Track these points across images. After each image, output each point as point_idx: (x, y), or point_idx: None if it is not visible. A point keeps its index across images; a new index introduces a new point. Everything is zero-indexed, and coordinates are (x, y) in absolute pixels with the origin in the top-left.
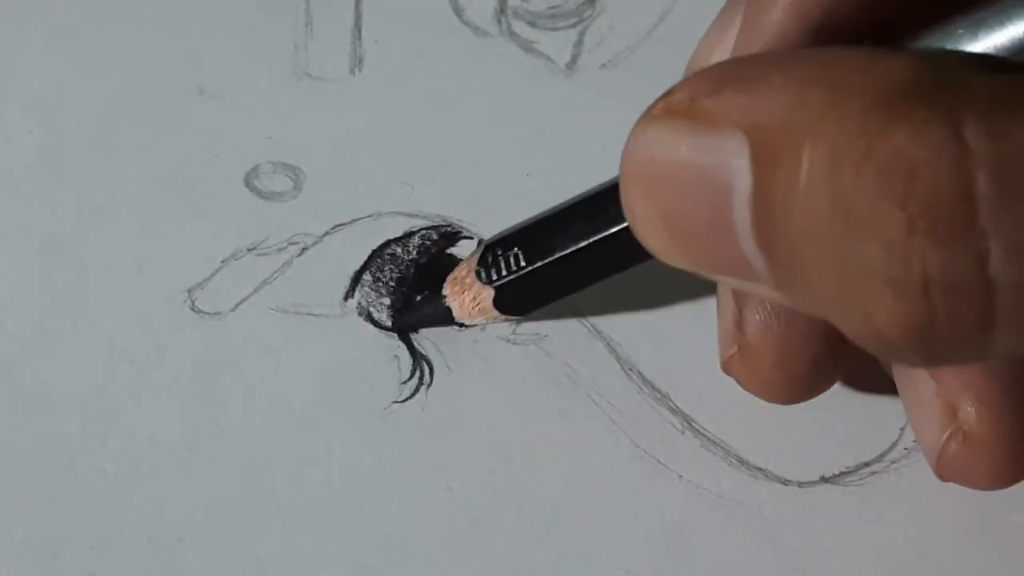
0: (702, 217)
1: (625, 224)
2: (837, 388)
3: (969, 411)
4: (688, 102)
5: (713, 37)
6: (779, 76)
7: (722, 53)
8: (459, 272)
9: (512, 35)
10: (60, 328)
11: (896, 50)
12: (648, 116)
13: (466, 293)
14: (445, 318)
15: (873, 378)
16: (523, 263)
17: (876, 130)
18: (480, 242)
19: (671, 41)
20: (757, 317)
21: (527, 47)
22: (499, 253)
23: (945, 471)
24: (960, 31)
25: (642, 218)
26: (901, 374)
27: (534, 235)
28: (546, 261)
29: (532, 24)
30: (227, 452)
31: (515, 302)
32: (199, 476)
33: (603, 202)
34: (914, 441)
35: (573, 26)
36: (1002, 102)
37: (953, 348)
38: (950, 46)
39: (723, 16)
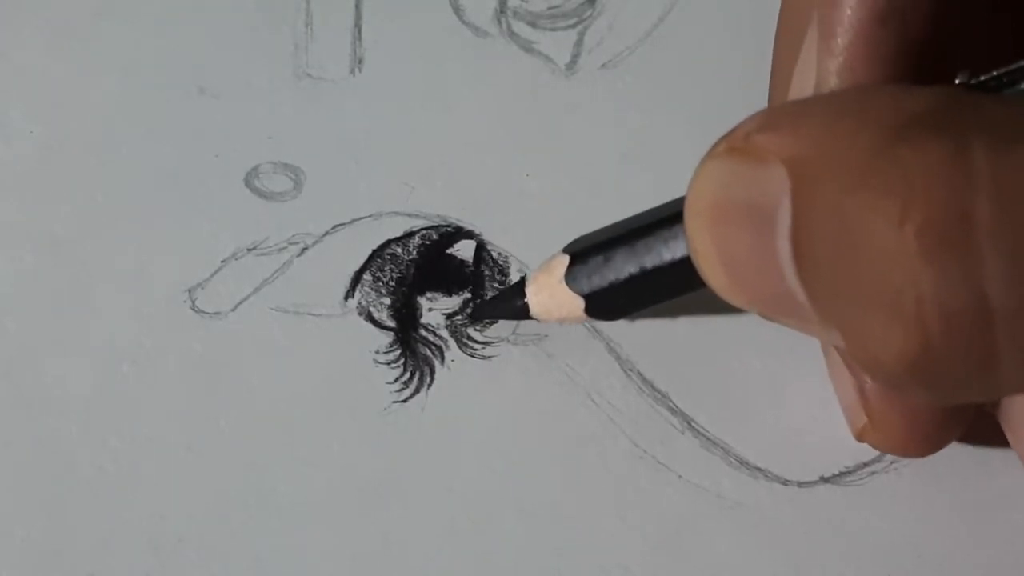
0: (753, 253)
1: None
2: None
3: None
4: (743, 139)
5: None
6: (820, 109)
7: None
8: (542, 277)
9: (512, 35)
10: (60, 328)
11: (927, 85)
12: (711, 154)
13: (552, 300)
14: (523, 315)
15: (990, 432)
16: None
17: (883, 151)
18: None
19: (671, 41)
20: (876, 385)
21: (527, 47)
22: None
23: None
24: None
25: (701, 253)
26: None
27: (620, 253)
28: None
29: (532, 24)
30: (227, 452)
31: (603, 313)
32: (199, 476)
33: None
34: None
35: (573, 26)
36: (1014, 128)
37: (957, 380)
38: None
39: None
